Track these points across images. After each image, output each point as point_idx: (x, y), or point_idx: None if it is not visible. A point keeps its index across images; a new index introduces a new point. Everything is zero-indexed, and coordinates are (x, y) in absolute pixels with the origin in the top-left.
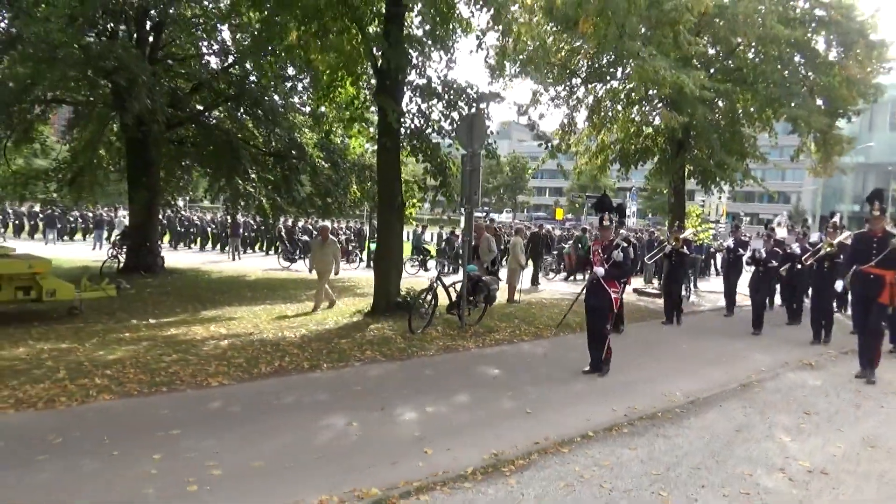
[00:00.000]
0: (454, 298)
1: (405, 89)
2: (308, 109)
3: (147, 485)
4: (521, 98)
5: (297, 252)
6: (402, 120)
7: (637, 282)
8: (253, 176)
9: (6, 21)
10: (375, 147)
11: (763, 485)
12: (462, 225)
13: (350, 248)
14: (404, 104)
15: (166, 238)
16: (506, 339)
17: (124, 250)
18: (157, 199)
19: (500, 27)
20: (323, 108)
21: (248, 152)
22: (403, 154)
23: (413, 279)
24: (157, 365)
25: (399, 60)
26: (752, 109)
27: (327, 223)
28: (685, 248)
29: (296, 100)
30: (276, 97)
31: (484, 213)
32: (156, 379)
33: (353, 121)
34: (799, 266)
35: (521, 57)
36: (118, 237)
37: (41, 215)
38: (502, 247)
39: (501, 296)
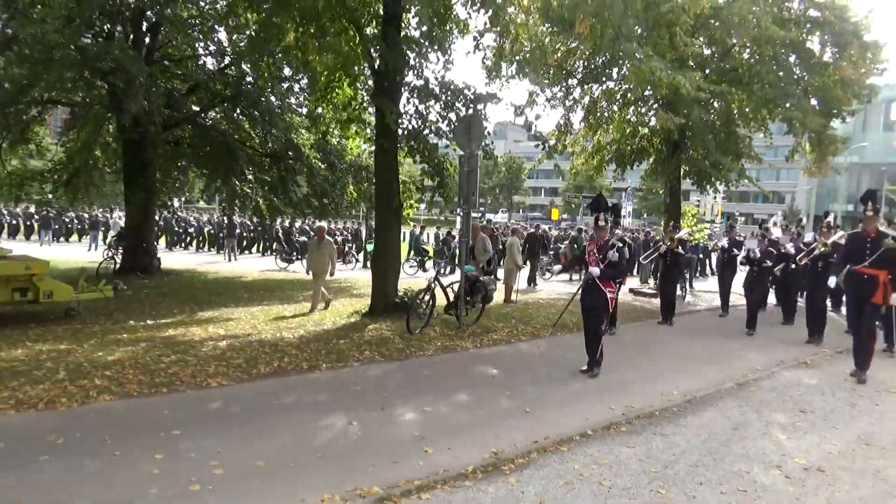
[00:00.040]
0: (452, 299)
1: (403, 90)
2: (305, 110)
3: (150, 484)
4: (517, 99)
5: (295, 253)
6: (399, 121)
7: (633, 282)
8: (250, 177)
9: (2, 22)
10: (372, 148)
11: (760, 482)
12: (458, 225)
13: (346, 248)
14: (402, 105)
15: (163, 239)
16: (503, 339)
17: (120, 251)
18: (153, 200)
19: (499, 28)
20: (320, 109)
21: (245, 153)
22: (401, 155)
23: (411, 280)
24: (157, 366)
25: (397, 61)
26: (747, 110)
27: (324, 223)
28: (680, 248)
29: (292, 101)
30: (272, 98)
31: (479, 214)
32: (155, 380)
33: (350, 122)
34: (793, 266)
35: (517, 58)
36: (114, 238)
37: (36, 216)
38: (500, 247)
39: (498, 296)
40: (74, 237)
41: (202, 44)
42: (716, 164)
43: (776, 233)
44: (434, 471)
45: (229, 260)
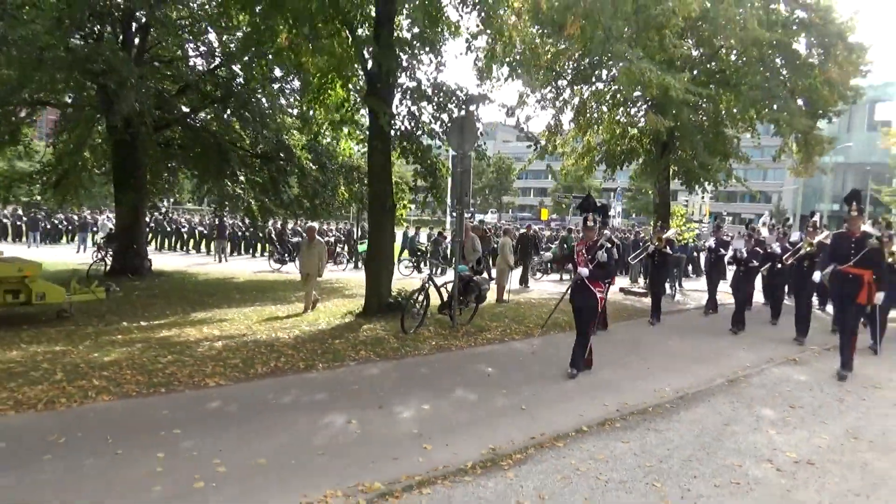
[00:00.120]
0: (446, 299)
1: (395, 92)
2: (296, 111)
3: (153, 482)
4: (507, 100)
5: (287, 254)
6: (392, 122)
7: (624, 281)
8: (241, 178)
9: None
10: (364, 149)
11: (752, 475)
12: (448, 225)
13: (338, 249)
14: (395, 106)
15: (154, 241)
16: (497, 339)
17: (110, 253)
18: (144, 201)
19: (490, 30)
20: (312, 111)
21: (236, 154)
22: (394, 156)
23: (406, 280)
24: (154, 366)
25: (389, 63)
26: (735, 111)
27: (315, 224)
28: (668, 248)
29: (283, 101)
30: (263, 99)
31: (469, 215)
32: (153, 380)
33: (343, 123)
34: (779, 266)
35: (507, 59)
36: (103, 239)
37: (24, 218)
38: (492, 246)
39: (490, 296)
40: (64, 239)
41: (192, 45)
42: (704, 165)
43: (764, 232)
44: (434, 467)
45: (220, 261)
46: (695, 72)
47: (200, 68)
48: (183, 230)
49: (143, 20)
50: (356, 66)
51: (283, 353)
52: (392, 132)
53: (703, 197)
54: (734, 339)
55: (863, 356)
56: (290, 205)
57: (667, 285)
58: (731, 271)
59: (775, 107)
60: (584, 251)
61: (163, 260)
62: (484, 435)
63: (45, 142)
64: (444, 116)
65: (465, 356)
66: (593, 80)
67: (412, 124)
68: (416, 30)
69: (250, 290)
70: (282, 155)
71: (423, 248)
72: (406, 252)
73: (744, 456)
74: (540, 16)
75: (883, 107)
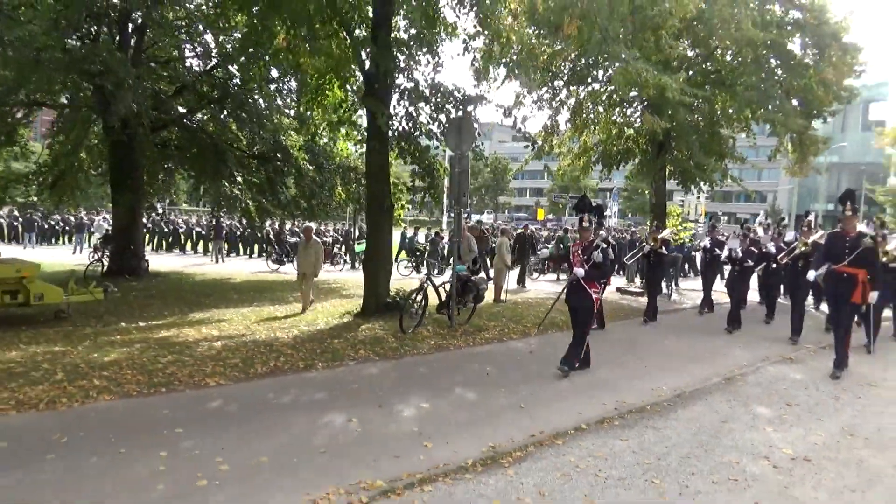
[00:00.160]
0: (444, 298)
1: (393, 92)
2: (293, 112)
3: (157, 480)
4: (504, 100)
5: (285, 255)
6: (390, 123)
7: (620, 281)
8: (238, 178)
9: None
10: (362, 149)
11: (750, 471)
12: (445, 225)
13: (335, 250)
14: (392, 107)
15: (152, 242)
16: (495, 338)
17: (107, 253)
18: (141, 202)
19: (488, 31)
20: (309, 112)
21: (233, 155)
22: (392, 156)
23: (404, 280)
24: (154, 366)
25: (387, 64)
26: (730, 111)
27: (311, 224)
28: (663, 248)
29: (280, 102)
30: (260, 100)
31: (466, 215)
32: (154, 380)
33: (340, 124)
34: (774, 265)
35: (504, 60)
36: (99, 240)
37: (20, 219)
38: (490, 246)
39: (488, 295)
40: (59, 240)
41: (189, 46)
42: (700, 165)
43: (760, 232)
44: (435, 464)
45: (216, 262)
46: (690, 72)
47: (197, 69)
48: (180, 231)
49: (140, 21)
50: (354, 66)
51: (282, 353)
52: (390, 133)
53: (698, 197)
54: (730, 338)
55: (857, 355)
56: (287, 205)
57: (663, 285)
58: (726, 271)
59: (770, 107)
60: (579, 252)
61: (159, 261)
62: (484, 433)
63: (42, 143)
64: (442, 117)
65: (464, 355)
66: (589, 80)
67: (410, 125)
68: (413, 31)
69: (248, 291)
70: (279, 155)
71: (422, 249)
72: (404, 253)
73: (741, 453)
74: (536, 17)
75: (877, 107)
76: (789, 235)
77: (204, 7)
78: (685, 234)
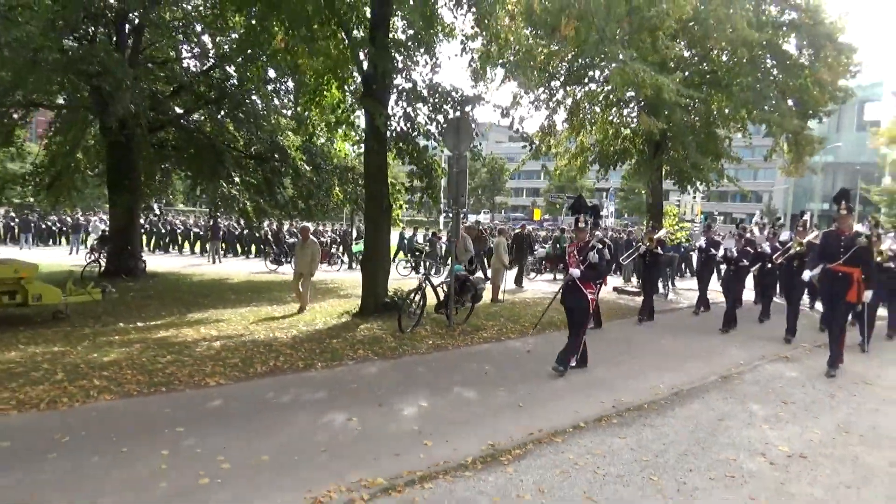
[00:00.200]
0: (442, 298)
1: (391, 93)
2: (290, 112)
3: (159, 479)
4: (501, 101)
5: (284, 255)
6: (388, 123)
7: (617, 280)
8: (236, 179)
9: None
10: (360, 150)
11: (746, 468)
12: (442, 226)
13: (332, 250)
14: (390, 108)
15: (146, 242)
16: (493, 337)
17: (104, 254)
18: (138, 202)
19: (485, 32)
20: (307, 112)
21: (230, 155)
22: (390, 157)
23: (403, 280)
24: (154, 366)
25: (385, 64)
26: (726, 111)
27: (309, 224)
28: (659, 248)
29: (277, 103)
30: (257, 100)
31: (462, 215)
32: (154, 379)
33: (339, 124)
34: (769, 265)
35: (501, 60)
36: (96, 241)
37: (17, 219)
38: (487, 246)
39: (486, 295)
40: (56, 240)
41: (186, 46)
42: (696, 165)
43: (756, 232)
44: (435, 462)
45: (213, 262)
46: (687, 73)
47: (194, 69)
48: (178, 231)
49: (137, 21)
50: (352, 67)
51: (281, 353)
52: (388, 133)
53: (695, 196)
54: (726, 338)
55: (852, 353)
56: (284, 206)
57: (660, 284)
58: (722, 270)
59: (766, 107)
60: (575, 252)
61: (157, 261)
62: (483, 431)
63: (38, 143)
64: (440, 117)
65: (462, 355)
66: (586, 81)
67: (408, 125)
68: (411, 31)
69: (245, 291)
70: (276, 156)
71: (422, 248)
72: (402, 253)
73: (738, 450)
74: (534, 17)
75: (872, 107)
76: (784, 235)
77: (201, 8)
78: (681, 234)
